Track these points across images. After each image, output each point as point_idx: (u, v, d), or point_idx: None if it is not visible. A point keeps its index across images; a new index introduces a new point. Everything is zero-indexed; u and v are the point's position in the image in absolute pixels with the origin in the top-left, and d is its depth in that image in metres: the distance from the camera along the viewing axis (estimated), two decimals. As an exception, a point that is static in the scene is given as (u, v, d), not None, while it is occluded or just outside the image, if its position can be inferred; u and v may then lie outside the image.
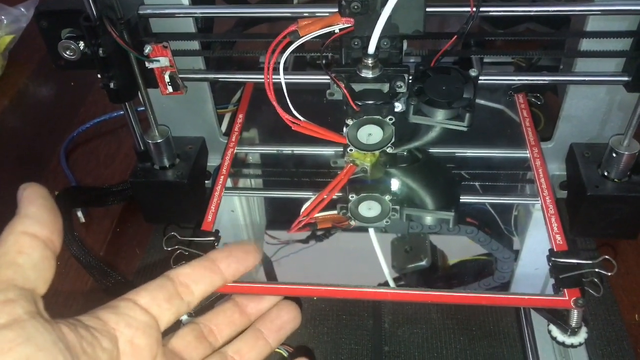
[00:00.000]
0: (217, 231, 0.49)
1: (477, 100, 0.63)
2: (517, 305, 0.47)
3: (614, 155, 0.52)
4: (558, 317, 0.43)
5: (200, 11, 0.50)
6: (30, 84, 0.87)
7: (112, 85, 0.50)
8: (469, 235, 0.56)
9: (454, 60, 0.63)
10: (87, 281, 0.58)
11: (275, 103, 0.47)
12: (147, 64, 0.50)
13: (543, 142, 0.60)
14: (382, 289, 0.48)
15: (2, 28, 0.88)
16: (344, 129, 0.48)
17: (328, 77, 0.46)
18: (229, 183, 0.57)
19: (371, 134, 0.48)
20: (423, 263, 0.55)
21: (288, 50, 0.46)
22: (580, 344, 0.44)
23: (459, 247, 0.56)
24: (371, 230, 0.55)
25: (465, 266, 0.56)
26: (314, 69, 0.66)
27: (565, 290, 0.41)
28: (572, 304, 0.41)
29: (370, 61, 0.45)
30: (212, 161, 0.64)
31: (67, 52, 0.50)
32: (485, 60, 0.66)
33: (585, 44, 0.50)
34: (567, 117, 0.56)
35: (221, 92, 0.68)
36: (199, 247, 0.48)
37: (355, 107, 0.46)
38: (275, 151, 0.62)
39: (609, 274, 0.41)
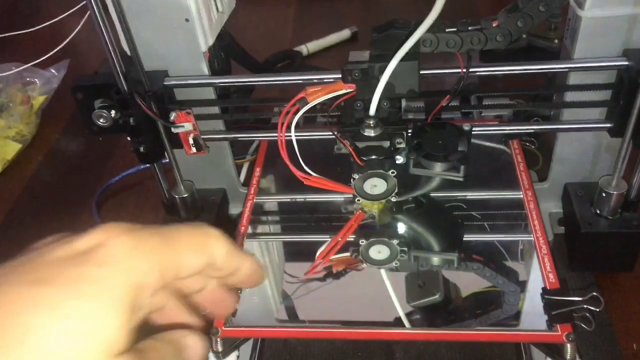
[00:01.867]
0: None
1: (481, 142, 0.69)
2: (514, 340, 0.50)
3: (604, 194, 0.56)
4: (554, 350, 0.47)
5: (219, 81, 0.56)
6: (62, 140, 0.93)
7: (141, 149, 0.56)
8: (475, 271, 0.60)
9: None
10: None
11: (287, 161, 0.52)
12: (172, 130, 0.56)
13: (540, 182, 0.65)
14: (387, 330, 0.51)
15: (36, 89, 0.95)
16: (352, 182, 0.53)
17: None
18: (248, 230, 0.62)
19: (376, 185, 0.53)
20: (436, 297, 0.59)
21: (298, 114, 0.51)
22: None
23: (470, 280, 0.60)
24: (382, 271, 0.59)
25: (476, 299, 0.59)
26: (324, 124, 0.71)
27: (557, 325, 0.45)
28: (564, 338, 0.45)
29: (372, 121, 0.51)
30: (233, 209, 0.69)
31: (100, 120, 0.56)
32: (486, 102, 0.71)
33: (570, 96, 0.55)
34: (560, 160, 0.61)
35: (239, 144, 0.74)
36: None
37: (360, 163, 0.51)
38: (289, 199, 0.67)
39: (597, 309, 0.45)
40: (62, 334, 0.22)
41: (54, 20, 0.82)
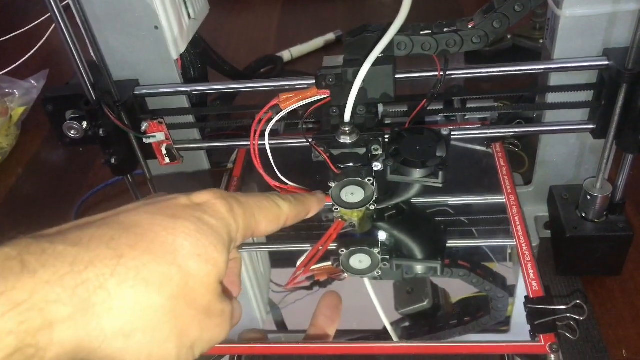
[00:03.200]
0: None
1: (464, 145, 0.67)
2: (495, 352, 0.49)
3: (589, 197, 0.55)
4: (538, 360, 0.45)
5: (191, 88, 0.55)
6: (42, 152, 0.92)
7: (113, 160, 0.54)
8: (461, 277, 0.59)
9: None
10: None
11: (261, 170, 0.50)
12: (144, 140, 0.54)
13: (524, 185, 0.63)
14: (369, 344, 0.50)
15: (14, 101, 0.93)
16: (329, 190, 0.51)
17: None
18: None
19: (353, 193, 0.51)
20: (424, 304, 0.58)
21: (272, 122, 0.50)
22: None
23: (459, 285, 0.59)
24: (366, 280, 0.58)
25: (464, 304, 0.58)
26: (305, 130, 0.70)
27: (540, 335, 0.44)
28: (547, 349, 0.43)
29: (347, 128, 0.49)
30: (213, 220, 0.68)
31: (72, 132, 0.55)
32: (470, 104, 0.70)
33: (552, 97, 0.54)
34: (543, 162, 0.59)
35: (219, 152, 0.72)
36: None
37: (336, 171, 0.50)
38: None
39: (581, 318, 0.43)
40: (196, 256, 0.30)
41: (26, 28, 0.80)
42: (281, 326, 0.58)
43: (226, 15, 1.21)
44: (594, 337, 0.55)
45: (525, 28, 0.91)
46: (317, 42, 1.05)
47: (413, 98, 0.54)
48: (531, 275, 0.49)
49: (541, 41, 0.88)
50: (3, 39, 0.92)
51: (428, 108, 0.54)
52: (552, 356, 0.43)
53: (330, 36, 1.06)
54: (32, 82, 0.95)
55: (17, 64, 0.83)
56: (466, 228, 0.61)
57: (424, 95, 0.53)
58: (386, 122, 0.58)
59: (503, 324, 0.54)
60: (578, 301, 0.44)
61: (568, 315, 0.44)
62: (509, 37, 0.91)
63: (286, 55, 1.01)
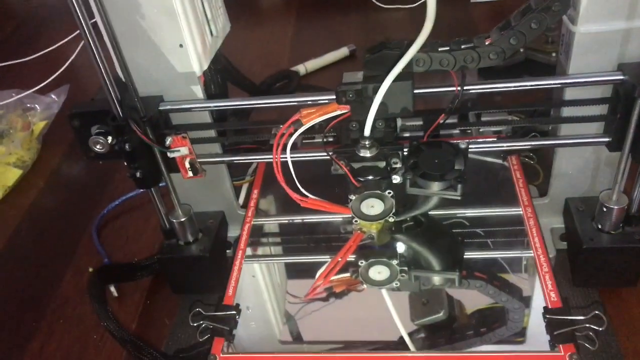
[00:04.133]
0: (237, 305, 0.54)
1: (481, 157, 0.68)
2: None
3: (605, 209, 0.55)
4: (558, 370, 0.46)
5: (214, 105, 0.56)
6: (63, 165, 0.93)
7: (138, 174, 0.56)
8: (478, 288, 0.59)
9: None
10: (122, 353, 0.62)
11: (283, 184, 0.52)
12: (168, 154, 0.55)
13: (540, 197, 0.64)
14: (387, 354, 0.51)
15: (36, 115, 0.95)
16: (349, 203, 0.53)
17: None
18: (248, 252, 0.62)
19: (373, 206, 0.52)
20: (440, 315, 0.59)
21: (293, 137, 0.51)
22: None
23: (474, 296, 0.59)
24: (384, 291, 0.59)
25: (480, 315, 0.59)
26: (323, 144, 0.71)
27: (560, 346, 0.44)
28: (567, 359, 0.44)
29: (367, 142, 0.50)
30: (232, 232, 0.69)
31: (97, 147, 0.56)
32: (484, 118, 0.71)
33: (567, 111, 0.55)
34: (559, 175, 0.60)
35: (238, 165, 0.74)
36: (222, 319, 0.52)
37: (356, 184, 0.51)
38: (287, 221, 0.67)
39: (600, 328, 0.44)
40: None
41: (52, 48, 0.83)
42: (299, 337, 0.59)
43: (240, 29, 1.23)
44: (612, 348, 0.56)
45: (537, 41, 0.92)
46: (331, 56, 1.07)
47: (430, 112, 0.56)
48: (549, 286, 0.49)
49: (553, 54, 0.89)
50: (28, 58, 0.95)
51: (444, 122, 0.55)
52: (572, 366, 0.44)
53: (344, 50, 1.08)
54: (53, 97, 0.97)
55: (44, 83, 0.85)
56: (483, 240, 0.62)
57: (440, 110, 0.54)
58: (404, 135, 0.59)
59: (519, 335, 0.54)
60: (597, 312, 0.45)
61: (587, 325, 0.44)
62: (521, 50, 0.92)
63: (301, 69, 1.03)
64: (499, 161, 0.66)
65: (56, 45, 0.82)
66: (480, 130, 0.67)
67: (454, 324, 0.58)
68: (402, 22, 1.15)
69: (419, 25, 0.46)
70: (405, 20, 1.13)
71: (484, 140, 0.56)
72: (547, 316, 0.47)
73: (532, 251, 0.54)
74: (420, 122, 0.62)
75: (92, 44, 0.48)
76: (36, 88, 0.88)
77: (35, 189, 0.90)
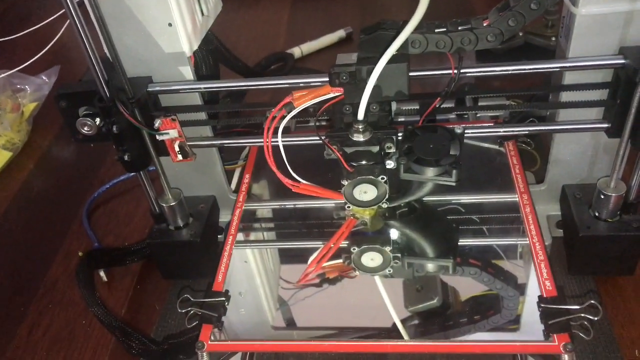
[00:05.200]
0: (227, 291, 0.53)
1: (476, 143, 0.67)
2: (509, 352, 0.49)
3: (602, 197, 0.54)
4: (552, 360, 0.45)
5: (204, 86, 0.55)
6: (54, 148, 0.92)
7: (126, 157, 0.54)
8: (472, 276, 0.59)
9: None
10: (110, 338, 0.61)
11: (274, 168, 0.50)
12: (157, 137, 0.54)
13: (537, 184, 0.63)
14: (381, 342, 0.50)
15: (26, 96, 0.94)
16: (342, 188, 0.51)
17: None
18: (240, 237, 0.61)
19: (366, 191, 0.51)
20: (434, 302, 0.58)
21: (284, 120, 0.50)
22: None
23: (468, 283, 0.59)
24: (377, 278, 0.58)
25: (474, 303, 0.58)
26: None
27: (554, 335, 0.44)
28: (561, 349, 0.43)
29: (360, 126, 0.49)
30: (224, 217, 0.68)
31: (85, 128, 0.55)
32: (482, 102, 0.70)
33: (566, 95, 0.53)
34: (556, 161, 0.59)
35: (230, 148, 0.72)
36: (211, 306, 0.51)
37: (349, 169, 0.50)
38: (279, 206, 0.65)
39: (595, 318, 0.43)
40: None
41: (39, 25, 0.80)
42: (291, 323, 0.59)
43: (235, 10, 1.22)
44: (607, 337, 0.55)
45: (537, 25, 0.90)
46: (327, 39, 1.05)
47: (426, 96, 0.54)
48: (544, 274, 0.48)
49: (553, 39, 0.87)
50: (15, 36, 0.93)
51: (440, 106, 0.54)
52: (566, 356, 0.43)
53: (341, 33, 1.06)
54: (44, 78, 0.96)
55: (30, 61, 0.83)
56: (478, 226, 0.61)
57: (436, 93, 0.53)
58: (399, 119, 0.58)
59: (513, 323, 0.54)
60: (592, 301, 0.44)
61: (582, 315, 0.44)
62: (520, 34, 0.90)
63: (296, 51, 1.01)
64: (496, 147, 0.65)
65: (43, 23, 0.80)
66: (477, 115, 0.66)
67: (448, 311, 0.57)
68: (400, 4, 1.13)
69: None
70: (404, 2, 1.10)
71: (480, 125, 0.55)
72: (542, 305, 0.46)
73: (527, 239, 0.53)
74: (416, 107, 0.61)
75: (77, 23, 0.46)
76: (24, 65, 0.86)
77: (25, 172, 0.88)
